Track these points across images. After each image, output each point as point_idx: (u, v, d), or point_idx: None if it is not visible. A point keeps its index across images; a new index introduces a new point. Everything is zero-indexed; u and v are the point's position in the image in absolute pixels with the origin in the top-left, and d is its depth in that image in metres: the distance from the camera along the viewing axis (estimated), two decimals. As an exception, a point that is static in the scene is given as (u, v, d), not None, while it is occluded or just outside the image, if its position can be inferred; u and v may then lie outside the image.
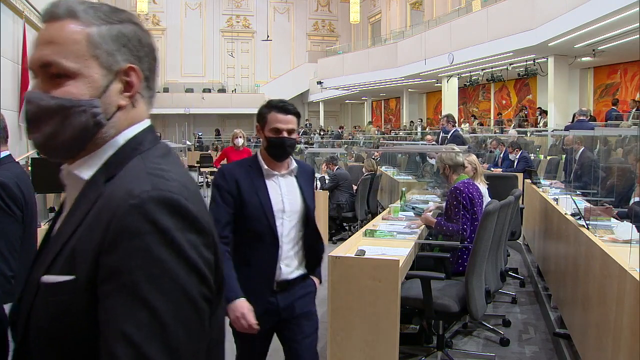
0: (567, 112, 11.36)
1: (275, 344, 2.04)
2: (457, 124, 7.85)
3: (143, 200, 0.67)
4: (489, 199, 3.77)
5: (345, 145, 13.88)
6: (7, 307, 1.53)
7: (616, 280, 2.20)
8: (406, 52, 16.58)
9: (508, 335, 3.55)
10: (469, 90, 17.01)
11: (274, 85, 23.83)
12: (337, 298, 2.61)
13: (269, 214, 1.90)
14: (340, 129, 20.62)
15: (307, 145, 15.63)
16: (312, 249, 2.02)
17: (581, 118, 7.86)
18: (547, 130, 11.24)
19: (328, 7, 25.96)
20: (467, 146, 6.12)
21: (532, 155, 8.88)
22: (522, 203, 5.29)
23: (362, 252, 2.69)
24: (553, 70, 11.62)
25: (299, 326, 1.97)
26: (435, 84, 16.89)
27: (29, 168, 4.85)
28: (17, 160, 1.99)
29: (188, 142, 14.70)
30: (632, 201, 3.93)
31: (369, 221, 4.67)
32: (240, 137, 6.70)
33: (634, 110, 10.43)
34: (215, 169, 10.47)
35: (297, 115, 1.99)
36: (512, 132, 10.56)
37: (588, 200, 4.18)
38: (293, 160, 2.03)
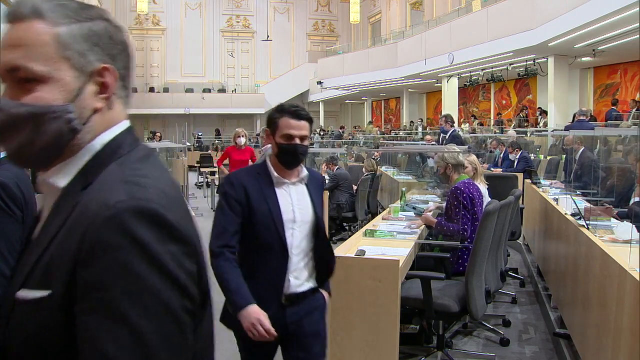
0: (567, 112, 11.37)
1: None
2: (455, 124, 7.85)
3: (118, 211, 0.63)
4: (489, 199, 3.77)
5: (346, 146, 13.88)
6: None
7: (616, 280, 2.20)
8: (406, 52, 16.59)
9: (508, 335, 3.55)
10: (469, 90, 17.01)
11: (274, 85, 23.84)
12: (337, 298, 2.61)
13: (278, 224, 1.81)
14: (341, 129, 20.62)
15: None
16: (322, 260, 1.92)
17: (581, 118, 7.86)
18: (547, 130, 11.24)
19: (328, 7, 25.96)
20: (467, 146, 6.12)
21: (532, 155, 8.88)
22: (522, 203, 5.29)
23: (362, 252, 2.69)
24: (553, 70, 11.62)
25: (307, 346, 1.87)
26: (435, 84, 16.89)
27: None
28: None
29: (188, 143, 14.68)
30: (632, 201, 3.93)
31: (369, 221, 4.67)
32: (242, 136, 6.70)
33: (634, 110, 10.43)
34: (216, 169, 10.49)
35: (310, 120, 1.89)
36: (511, 132, 10.56)
37: (588, 200, 4.19)
38: (304, 168, 1.94)
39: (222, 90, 23.78)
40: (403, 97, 20.18)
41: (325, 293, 1.96)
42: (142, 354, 0.61)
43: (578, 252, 3.05)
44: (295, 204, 1.87)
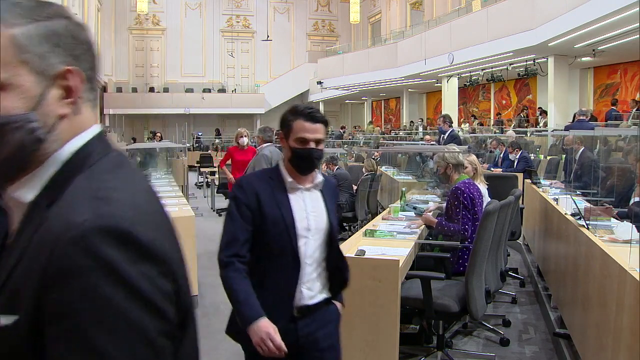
0: (567, 112, 11.37)
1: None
2: (453, 125, 7.85)
3: (84, 231, 0.58)
4: (489, 199, 3.77)
5: (346, 146, 13.88)
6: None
7: (616, 280, 2.20)
8: (406, 52, 16.59)
9: (508, 335, 3.55)
10: (469, 90, 17.01)
11: (274, 85, 23.85)
12: (337, 298, 2.61)
13: (291, 232, 1.71)
14: (342, 129, 20.62)
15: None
16: (337, 271, 1.82)
17: (581, 118, 7.87)
18: (547, 130, 11.24)
19: (328, 7, 25.96)
20: (467, 146, 6.12)
21: (532, 155, 8.88)
22: (522, 203, 5.29)
23: (362, 252, 2.69)
24: (553, 70, 11.63)
25: None
26: (435, 84, 16.89)
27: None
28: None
29: (187, 144, 14.68)
30: (632, 201, 3.93)
31: (369, 221, 4.67)
32: (244, 136, 6.66)
33: (634, 110, 10.43)
34: (216, 169, 10.50)
35: (326, 123, 1.80)
36: (510, 132, 10.56)
37: (588, 200, 4.19)
38: (319, 174, 1.83)
39: (222, 90, 23.78)
40: (403, 97, 20.18)
41: (339, 305, 1.88)
42: None
43: (578, 252, 3.06)
44: (309, 211, 1.77)
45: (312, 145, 1.73)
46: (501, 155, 8.48)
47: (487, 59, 12.81)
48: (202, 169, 12.56)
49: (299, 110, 1.76)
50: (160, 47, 23.86)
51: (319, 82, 20.66)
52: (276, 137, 4.82)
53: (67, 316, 0.57)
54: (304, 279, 1.74)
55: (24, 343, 0.60)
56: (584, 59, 11.69)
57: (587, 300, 2.75)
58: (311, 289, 1.76)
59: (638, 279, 1.96)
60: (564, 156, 7.34)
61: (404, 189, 4.86)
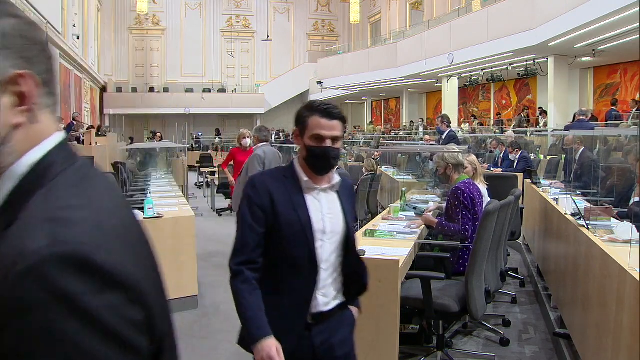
0: (567, 112, 11.37)
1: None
2: (451, 125, 7.85)
3: (38, 261, 0.51)
4: (489, 199, 3.77)
5: (346, 146, 13.88)
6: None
7: (616, 280, 2.20)
8: (406, 52, 16.59)
9: (508, 335, 3.55)
10: (469, 90, 17.01)
11: (274, 85, 23.86)
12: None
13: (308, 234, 1.62)
14: (342, 129, 20.58)
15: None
16: (354, 275, 1.74)
17: (581, 118, 7.87)
18: (547, 130, 11.25)
19: (328, 7, 25.96)
20: (467, 146, 6.12)
21: (532, 155, 8.88)
22: (522, 203, 5.30)
23: (362, 252, 2.69)
24: (553, 70, 11.63)
25: None
26: (435, 84, 16.90)
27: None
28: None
29: (187, 145, 14.67)
30: (632, 201, 3.93)
31: (369, 221, 4.67)
32: (247, 137, 6.64)
33: (634, 110, 10.44)
34: (216, 169, 10.50)
35: (343, 120, 1.67)
36: (509, 133, 10.56)
37: (588, 200, 4.19)
38: (336, 174, 1.73)
39: (222, 90, 23.78)
40: (403, 97, 20.19)
41: (355, 310, 1.79)
42: None
43: (578, 252, 3.06)
44: (325, 213, 1.67)
45: (329, 143, 1.63)
46: (501, 155, 8.48)
47: (487, 59, 12.81)
48: (202, 169, 12.56)
49: (314, 106, 1.65)
50: (160, 47, 23.86)
51: (319, 82, 20.66)
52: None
53: (22, 358, 0.50)
54: (320, 284, 1.65)
55: None
56: (584, 59, 11.69)
57: (587, 300, 2.75)
58: (326, 295, 1.68)
59: (638, 279, 1.96)
60: (564, 156, 7.34)
61: (404, 189, 4.85)
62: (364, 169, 7.31)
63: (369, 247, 2.84)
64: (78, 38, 14.79)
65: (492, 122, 15.40)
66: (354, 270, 1.74)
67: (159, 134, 14.41)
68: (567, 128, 8.38)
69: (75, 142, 9.67)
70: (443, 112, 12.58)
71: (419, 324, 3.29)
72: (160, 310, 0.61)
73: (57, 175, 0.61)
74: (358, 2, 21.03)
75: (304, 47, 25.43)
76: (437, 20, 16.14)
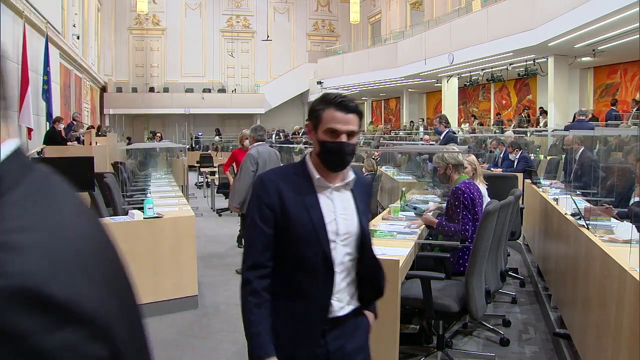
0: (567, 112, 11.38)
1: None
2: (450, 125, 7.84)
3: None
4: (489, 199, 3.77)
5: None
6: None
7: (616, 280, 2.20)
8: (406, 52, 16.60)
9: (508, 335, 3.55)
10: (469, 90, 17.02)
11: (274, 85, 23.86)
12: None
13: (322, 237, 1.52)
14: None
15: (307, 146, 15.63)
16: (371, 279, 1.64)
17: (581, 118, 7.87)
18: (547, 130, 11.25)
19: (328, 7, 25.97)
20: (467, 146, 6.13)
21: (532, 155, 8.88)
22: (522, 203, 5.30)
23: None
24: (553, 70, 11.63)
25: None
26: (435, 84, 16.90)
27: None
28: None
29: (187, 145, 14.68)
30: (632, 201, 3.93)
31: (369, 221, 4.67)
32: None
33: (634, 110, 10.44)
34: (216, 169, 10.49)
35: (360, 114, 1.57)
36: (508, 133, 10.57)
37: (588, 200, 4.19)
38: (351, 171, 1.63)
39: (222, 90, 23.79)
40: (403, 97, 20.20)
41: (371, 315, 1.70)
42: None
43: (578, 252, 3.06)
44: (338, 213, 1.58)
45: (344, 138, 1.52)
46: (501, 155, 8.49)
47: (487, 59, 12.82)
48: (202, 169, 12.56)
49: (329, 99, 1.54)
50: (160, 47, 23.86)
51: (319, 82, 20.66)
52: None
53: None
54: (335, 289, 1.56)
55: None
56: (584, 59, 11.70)
57: (587, 300, 2.75)
58: (341, 299, 1.59)
59: (638, 279, 1.96)
60: (564, 156, 7.34)
61: (404, 189, 4.85)
62: (363, 169, 7.31)
63: (369, 247, 2.84)
64: (78, 38, 14.79)
65: (492, 122, 15.40)
66: (370, 274, 1.63)
67: (158, 134, 14.40)
68: (567, 128, 8.38)
69: (76, 142, 9.66)
70: (443, 112, 12.59)
71: (419, 324, 3.29)
72: (129, 339, 0.54)
73: (7, 191, 0.50)
74: (358, 2, 21.03)
75: (304, 47, 25.44)
76: (437, 20, 16.15)
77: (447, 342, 3.31)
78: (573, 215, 3.46)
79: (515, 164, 7.85)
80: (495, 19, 12.21)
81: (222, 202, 9.13)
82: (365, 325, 1.68)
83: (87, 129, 10.93)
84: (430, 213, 3.82)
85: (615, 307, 2.20)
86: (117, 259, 0.58)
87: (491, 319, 3.85)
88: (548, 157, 8.86)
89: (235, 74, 24.78)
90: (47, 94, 9.67)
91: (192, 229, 4.26)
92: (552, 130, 10.45)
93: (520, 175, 6.13)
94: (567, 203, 3.96)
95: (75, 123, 10.71)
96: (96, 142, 9.69)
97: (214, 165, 11.97)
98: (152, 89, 23.07)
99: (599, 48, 10.50)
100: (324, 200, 1.57)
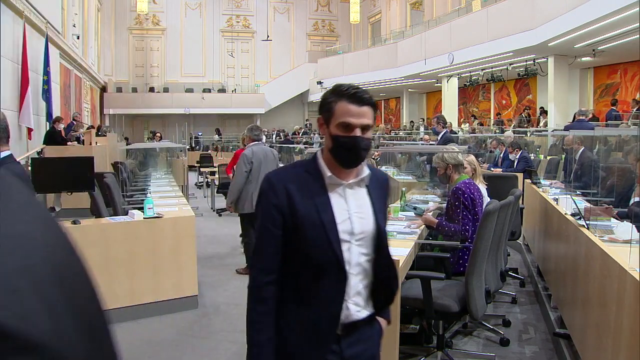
0: (567, 112, 11.38)
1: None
2: (452, 125, 7.86)
3: None
4: (488, 199, 3.77)
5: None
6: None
7: (616, 280, 2.20)
8: (406, 52, 16.60)
9: (508, 335, 3.55)
10: (469, 90, 17.02)
11: (274, 85, 23.86)
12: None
13: (333, 238, 1.44)
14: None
15: (306, 145, 15.63)
16: (386, 280, 1.54)
17: (581, 118, 7.87)
18: (547, 130, 11.25)
19: (328, 7, 25.97)
20: (467, 146, 6.13)
21: (532, 155, 8.88)
22: (522, 203, 5.30)
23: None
24: (553, 70, 11.64)
25: None
26: (435, 84, 16.90)
27: (29, 168, 4.86)
28: (17, 160, 1.99)
29: (187, 145, 14.67)
30: (632, 201, 3.93)
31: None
32: None
33: (634, 110, 10.44)
34: (216, 169, 10.49)
35: (374, 106, 1.47)
36: (508, 133, 10.57)
37: (588, 200, 4.19)
38: (366, 167, 1.53)
39: (222, 90, 23.79)
40: (403, 97, 20.20)
41: (383, 321, 1.60)
42: None
43: (578, 252, 3.06)
44: (352, 212, 1.48)
45: (358, 132, 1.43)
46: (501, 155, 8.49)
47: (487, 59, 12.82)
48: (202, 169, 12.56)
49: (342, 90, 1.44)
50: (160, 47, 23.86)
51: (319, 82, 20.65)
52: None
53: None
54: (351, 292, 1.48)
55: None
56: (584, 59, 11.70)
57: (587, 300, 2.75)
58: (357, 303, 1.50)
59: (638, 279, 1.96)
60: (564, 156, 7.34)
61: (404, 189, 4.85)
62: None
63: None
64: (78, 38, 14.79)
65: (492, 122, 15.41)
66: (385, 275, 1.53)
67: (158, 134, 14.39)
68: (567, 128, 8.38)
69: (76, 142, 9.67)
70: (443, 112, 12.59)
71: (419, 324, 3.29)
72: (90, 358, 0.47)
73: None
74: (358, 2, 21.03)
75: (304, 47, 25.44)
76: (437, 20, 16.15)
77: (447, 342, 3.31)
78: (573, 215, 3.46)
79: (515, 164, 7.85)
80: (495, 19, 12.21)
81: (222, 202, 9.12)
82: (379, 333, 1.59)
83: (87, 129, 10.93)
84: (430, 213, 3.82)
85: (615, 307, 2.20)
86: (77, 269, 0.50)
87: (491, 319, 3.85)
88: (548, 157, 8.86)
89: (235, 74, 24.77)
90: (47, 94, 9.67)
91: (192, 229, 4.26)
92: (552, 130, 10.45)
93: (520, 175, 6.13)
94: (567, 203, 3.96)
95: (75, 123, 10.72)
96: (96, 142, 9.68)
97: (214, 165, 11.97)
98: (152, 89, 23.07)
99: (599, 48, 10.50)
100: (336, 199, 1.48)
